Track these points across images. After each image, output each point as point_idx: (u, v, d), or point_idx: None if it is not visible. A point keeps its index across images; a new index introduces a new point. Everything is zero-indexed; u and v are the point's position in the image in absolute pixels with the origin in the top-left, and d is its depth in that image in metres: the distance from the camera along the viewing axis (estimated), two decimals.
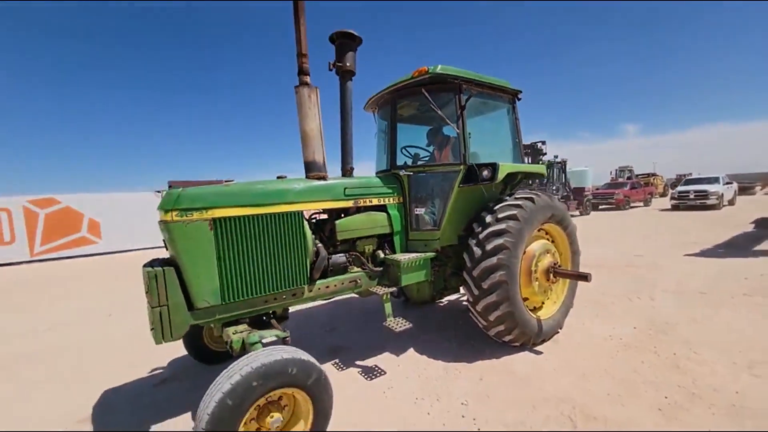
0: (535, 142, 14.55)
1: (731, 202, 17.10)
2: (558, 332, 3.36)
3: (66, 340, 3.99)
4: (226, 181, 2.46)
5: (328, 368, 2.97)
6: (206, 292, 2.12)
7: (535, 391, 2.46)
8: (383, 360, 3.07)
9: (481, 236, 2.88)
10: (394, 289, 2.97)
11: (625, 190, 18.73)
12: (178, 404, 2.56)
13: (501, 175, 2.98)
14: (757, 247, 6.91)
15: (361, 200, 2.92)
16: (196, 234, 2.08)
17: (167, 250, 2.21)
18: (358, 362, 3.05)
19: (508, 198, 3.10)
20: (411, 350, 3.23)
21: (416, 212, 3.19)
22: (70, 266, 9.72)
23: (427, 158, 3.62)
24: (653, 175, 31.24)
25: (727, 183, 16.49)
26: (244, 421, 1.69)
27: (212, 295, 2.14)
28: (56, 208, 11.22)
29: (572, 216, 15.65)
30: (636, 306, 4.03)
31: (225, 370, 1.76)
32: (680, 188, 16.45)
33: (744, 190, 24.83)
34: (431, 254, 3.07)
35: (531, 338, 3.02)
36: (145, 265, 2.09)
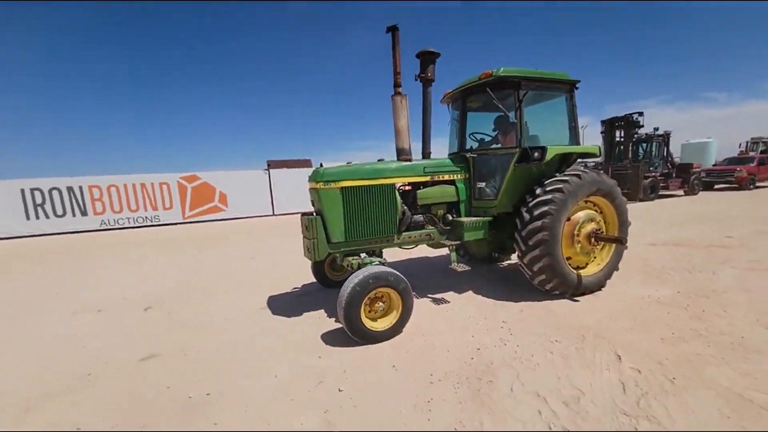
0: (630, 114, 13.28)
1: None
2: (600, 290, 3.96)
3: (235, 269, 5.95)
4: (347, 163, 3.72)
5: None
6: (337, 233, 3.42)
7: (562, 320, 3.27)
8: (448, 295, 4.12)
9: (530, 204, 3.63)
10: (458, 242, 3.92)
11: (751, 167, 15.89)
12: (314, 306, 4.01)
13: (549, 156, 3.66)
14: None
15: (436, 176, 3.93)
16: (333, 196, 3.37)
17: (313, 206, 3.59)
18: (429, 295, 4.17)
19: (558, 174, 3.75)
20: (470, 291, 4.22)
21: (479, 186, 4.06)
22: (210, 227, 12.77)
23: (490, 141, 4.40)
24: None
25: None
26: (363, 302, 2.93)
27: (340, 234, 3.43)
28: (198, 183, 14.58)
29: (673, 196, 14.16)
30: (692, 277, 4.31)
31: (352, 275, 3.00)
32: None
33: None
34: (488, 218, 3.96)
35: (570, 289, 3.71)
36: (302, 215, 3.50)
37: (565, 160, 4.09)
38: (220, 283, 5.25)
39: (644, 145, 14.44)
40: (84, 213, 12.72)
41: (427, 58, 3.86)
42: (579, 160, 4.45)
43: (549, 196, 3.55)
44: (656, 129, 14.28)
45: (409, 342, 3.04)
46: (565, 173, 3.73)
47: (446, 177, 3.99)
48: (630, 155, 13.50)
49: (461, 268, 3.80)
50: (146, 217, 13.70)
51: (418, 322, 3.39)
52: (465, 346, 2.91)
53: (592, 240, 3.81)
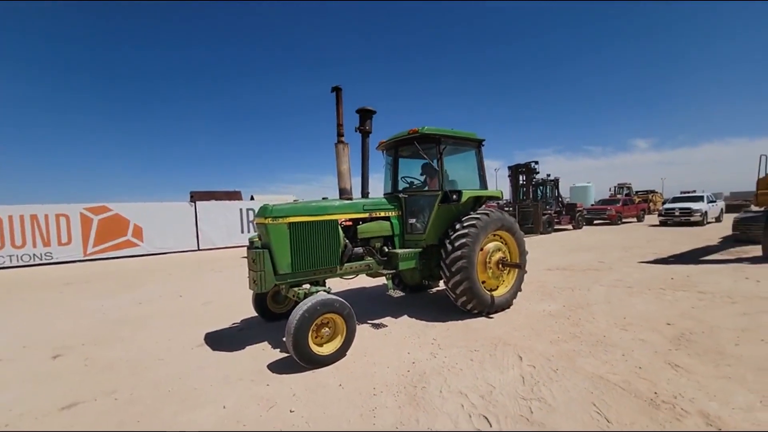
0: (529, 162, 15.96)
1: (718, 219, 18.20)
2: (509, 307, 4.77)
3: (160, 309, 5.54)
4: (294, 200, 4.05)
5: None
6: (284, 265, 3.65)
7: (480, 334, 3.91)
8: (386, 320, 4.53)
9: (452, 237, 4.33)
10: (394, 271, 4.41)
11: (618, 206, 19.95)
12: (256, 339, 4.04)
13: (464, 198, 4.45)
14: (704, 258, 8.20)
15: (374, 213, 4.47)
16: (281, 231, 3.63)
17: (260, 240, 3.80)
18: (369, 320, 4.52)
19: (472, 213, 4.58)
20: (405, 315, 4.69)
21: (410, 221, 4.69)
22: (121, 264, 11.38)
23: (419, 184, 5.14)
24: (653, 192, 32.27)
25: (711, 201, 17.63)
26: (311, 328, 3.17)
27: (287, 266, 3.67)
28: (107, 215, 13.00)
29: (564, 230, 16.97)
30: (574, 294, 5.43)
31: (301, 303, 3.23)
32: (667, 206, 17.65)
33: (740, 207, 25.75)
34: (419, 249, 4.55)
35: (485, 308, 4.43)
36: (248, 248, 3.69)
37: (477, 201, 4.98)
38: (144, 323, 4.88)
39: (541, 187, 17.30)
40: None
41: (365, 114, 4.55)
42: (489, 201, 5.43)
43: (466, 230, 4.30)
44: (549, 175, 17.35)
45: (353, 363, 3.34)
46: (478, 212, 4.57)
47: (383, 214, 4.54)
48: (531, 196, 16.05)
49: (396, 294, 4.29)
50: (34, 255, 11.64)
51: (360, 345, 3.71)
52: (402, 362, 3.32)
53: (500, 266, 4.64)
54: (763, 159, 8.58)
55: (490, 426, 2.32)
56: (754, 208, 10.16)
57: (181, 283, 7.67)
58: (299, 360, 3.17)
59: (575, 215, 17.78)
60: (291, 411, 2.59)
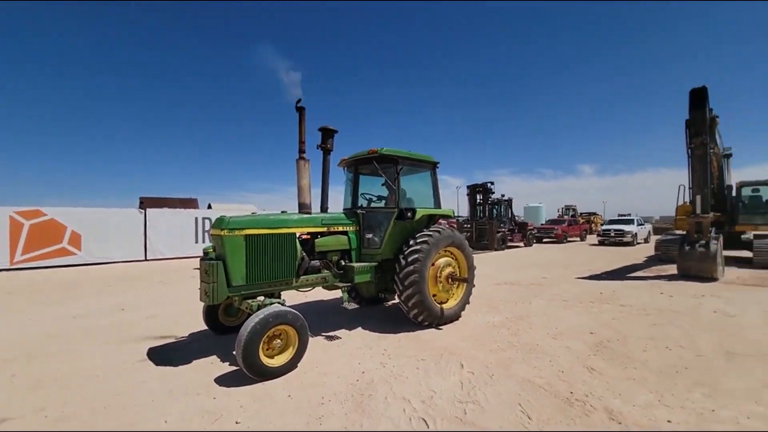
0: (486, 182, 17.00)
1: (646, 240, 20.36)
2: (457, 319, 5.07)
3: (98, 323, 5.19)
4: (252, 213, 4.09)
5: None
6: (238, 277, 3.64)
7: (428, 344, 4.15)
8: (340, 332, 4.63)
9: (406, 252, 4.57)
10: (350, 284, 4.56)
11: (563, 227, 21.67)
12: (205, 352, 3.96)
13: (418, 216, 4.69)
14: (630, 274, 9.21)
15: (332, 227, 4.58)
16: (236, 243, 3.63)
17: (214, 251, 3.79)
18: (323, 332, 4.59)
19: (425, 230, 4.85)
20: (359, 327, 4.83)
21: (367, 236, 4.88)
22: (55, 274, 10.38)
23: (377, 201, 5.35)
24: (594, 214, 35.43)
25: (640, 224, 19.78)
26: (262, 340, 3.20)
27: (241, 278, 3.66)
28: (40, 220, 11.86)
29: (516, 247, 18.07)
30: (516, 307, 5.89)
31: (253, 315, 3.26)
32: (604, 227, 19.52)
33: (666, 230, 29.04)
34: (375, 264, 4.74)
35: (435, 320, 4.69)
36: (202, 260, 3.67)
37: (431, 219, 5.30)
38: (80, 337, 4.57)
39: (496, 206, 18.40)
40: None
41: (327, 133, 4.76)
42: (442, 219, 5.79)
43: (419, 246, 4.55)
44: (503, 195, 18.54)
45: (305, 374, 3.41)
46: (430, 229, 4.83)
47: (341, 228, 4.67)
48: (487, 214, 17.02)
49: (351, 306, 4.45)
50: None
51: (312, 356, 3.79)
52: (352, 372, 3.45)
53: (450, 280, 4.96)
54: (681, 188, 9.91)
55: (428, 427, 2.52)
56: (676, 231, 11.57)
57: (124, 296, 7.20)
58: (249, 372, 3.17)
59: (526, 233, 19.04)
60: (237, 423, 2.61)
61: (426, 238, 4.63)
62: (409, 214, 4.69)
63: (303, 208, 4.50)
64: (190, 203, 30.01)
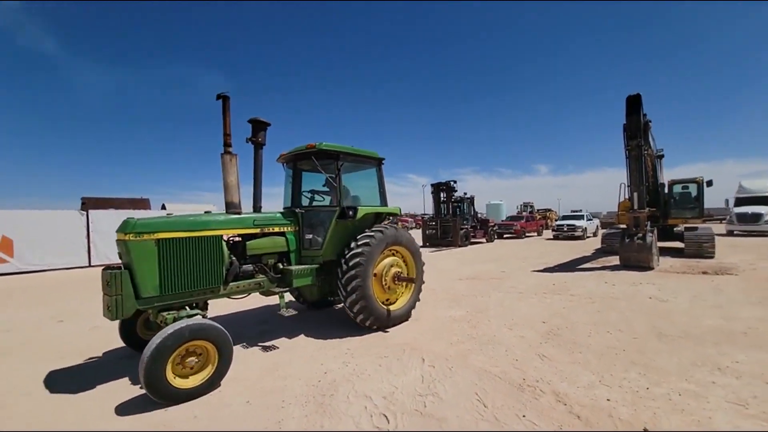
0: (449, 181, 17.45)
1: (595, 234, 21.95)
2: (407, 320, 4.93)
3: (24, 337, 4.71)
4: (167, 214, 3.74)
5: (248, 345, 4.38)
6: (150, 288, 3.21)
7: (391, 341, 4.21)
8: (299, 335, 4.56)
9: (347, 256, 4.31)
10: (288, 288, 4.31)
11: (522, 222, 22.80)
12: (119, 373, 3.57)
13: (360, 215, 4.49)
14: (579, 266, 9.90)
15: (266, 228, 4.22)
16: (145, 249, 3.20)
17: (121, 259, 3.34)
18: (282, 337, 4.50)
19: (368, 230, 4.57)
20: (320, 329, 4.78)
21: (307, 237, 4.57)
22: None
23: (321, 199, 5.09)
24: (549, 210, 37.60)
25: (590, 219, 21.32)
26: (171, 358, 2.82)
27: (154, 289, 3.23)
28: None
29: (479, 243, 18.75)
30: (477, 300, 6.14)
31: (162, 330, 2.84)
32: (558, 222, 20.81)
33: (612, 224, 31.54)
34: (316, 266, 4.45)
35: (382, 323, 4.53)
36: (104, 269, 3.18)
37: (378, 217, 5.08)
38: (8, 352, 4.12)
39: (459, 204, 18.97)
40: None
41: (258, 125, 4.33)
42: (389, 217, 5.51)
43: (360, 249, 4.30)
44: (465, 193, 19.16)
45: (264, 379, 3.33)
46: (372, 229, 4.60)
47: (276, 229, 4.32)
48: (451, 212, 17.50)
49: (288, 313, 4.08)
50: None
51: (274, 360, 3.71)
52: (314, 373, 3.42)
53: (396, 280, 4.76)
54: (621, 186, 10.78)
55: (388, 422, 2.57)
56: (619, 225, 12.55)
57: (62, 306, 6.58)
58: (153, 395, 2.80)
59: (488, 230, 19.81)
60: None
61: (368, 239, 4.41)
62: (350, 212, 4.49)
63: (231, 207, 4.09)
64: (141, 203, 27.96)
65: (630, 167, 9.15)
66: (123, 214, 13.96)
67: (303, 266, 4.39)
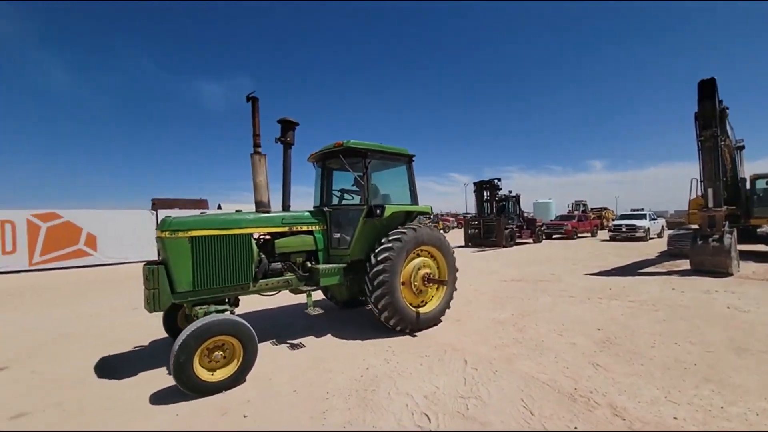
0: (493, 179, 16.87)
1: (659, 235, 19.92)
2: (436, 324, 4.70)
3: (114, 321, 5.36)
4: (201, 212, 3.92)
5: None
6: (184, 283, 3.38)
7: (432, 341, 4.18)
8: (344, 331, 4.69)
9: (376, 251, 4.25)
10: (316, 287, 4.33)
11: (573, 222, 21.32)
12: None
13: (387, 214, 4.38)
14: (641, 270, 9.05)
15: (294, 227, 4.28)
16: (180, 245, 3.38)
17: (159, 256, 3.60)
18: (328, 332, 4.65)
19: (399, 228, 4.49)
20: (363, 326, 4.87)
21: (335, 236, 4.55)
22: (72, 274, 10.69)
23: (350, 198, 5.06)
24: (605, 209, 34.78)
25: (653, 219, 19.36)
26: (202, 346, 2.97)
27: (187, 284, 3.40)
28: (57, 222, 12.24)
29: (525, 243, 17.90)
30: (523, 303, 5.86)
31: (190, 325, 2.98)
32: (615, 222, 19.16)
33: (680, 224, 28.38)
34: (343, 265, 4.42)
35: (410, 324, 4.35)
36: (144, 264, 3.40)
37: (408, 216, 4.96)
38: (95, 335, 4.72)
39: (503, 203, 18.25)
40: None
41: (287, 125, 4.46)
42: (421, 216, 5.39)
43: (390, 245, 4.23)
44: (510, 191, 18.38)
45: (310, 371, 3.47)
46: (403, 228, 4.46)
47: (304, 228, 4.36)
48: (494, 211, 16.89)
49: (315, 312, 4.13)
50: None
51: (318, 354, 3.86)
52: (356, 368, 3.50)
53: (426, 282, 4.57)
54: (693, 182, 9.66)
55: (429, 422, 2.55)
56: (690, 226, 11.31)
57: (137, 296, 7.38)
58: (181, 387, 2.91)
59: (535, 230, 18.83)
60: (244, 416, 2.69)
61: (397, 237, 4.31)
62: (377, 211, 4.40)
63: (260, 206, 4.22)
64: (200, 204, 30.63)
65: (703, 160, 8.18)
66: (185, 214, 15.33)
67: (330, 265, 4.36)
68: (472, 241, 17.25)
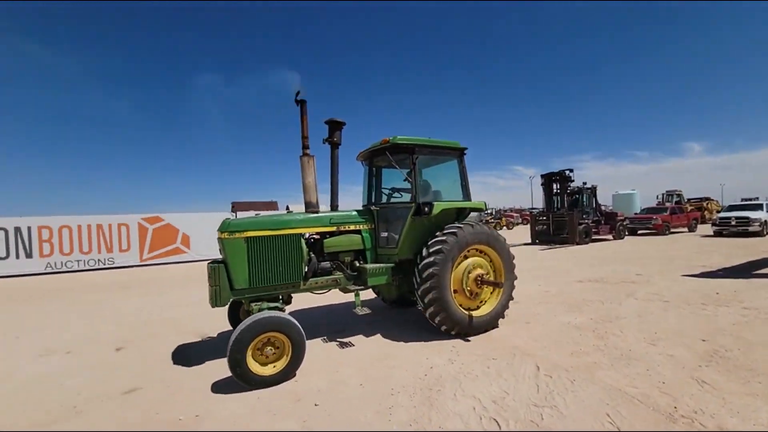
0: (564, 170, 15.50)
1: None
2: (492, 329, 4.41)
3: (209, 315, 6.12)
4: (255, 214, 4.14)
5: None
6: (241, 280, 3.61)
7: (499, 343, 3.98)
8: (406, 328, 4.70)
9: (429, 244, 4.14)
10: (363, 287, 4.29)
11: (665, 216, 18.61)
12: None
13: (436, 211, 4.24)
14: (758, 271, 7.55)
15: (342, 226, 4.33)
16: (237, 245, 3.60)
17: (221, 254, 3.80)
18: (390, 329, 4.71)
19: (450, 225, 4.30)
20: (426, 324, 4.83)
21: (382, 235, 4.51)
22: (171, 269, 12.44)
23: (399, 196, 4.99)
24: (707, 199, 29.71)
25: None
26: (253, 342, 3.12)
27: (244, 281, 3.62)
28: (160, 225, 14.32)
29: (604, 240, 16.14)
30: (604, 307, 5.28)
31: (243, 321, 3.19)
32: (721, 214, 16.27)
33: None
34: (391, 264, 4.36)
35: (461, 328, 4.13)
36: (208, 263, 3.67)
37: (461, 213, 4.77)
38: (192, 323, 5.41)
39: (577, 196, 16.65)
40: (29, 255, 11.93)
41: (334, 126, 4.49)
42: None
43: (445, 238, 4.10)
44: (585, 183, 16.66)
45: (374, 366, 3.55)
46: (454, 225, 4.28)
47: (352, 227, 4.39)
48: (566, 205, 15.51)
49: (363, 311, 4.13)
50: (99, 260, 13.06)
51: (381, 350, 3.93)
52: (420, 366, 3.48)
53: (479, 283, 4.30)
54: None
55: (499, 427, 2.43)
56: None
57: None
58: (237, 379, 3.11)
59: (616, 225, 16.85)
60: (315, 405, 2.85)
61: (447, 236, 4.13)
62: (426, 208, 4.27)
63: (309, 207, 4.32)
64: (271, 205, 33.37)
65: None
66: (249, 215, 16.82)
67: (378, 265, 4.32)
68: (539, 238, 16.09)
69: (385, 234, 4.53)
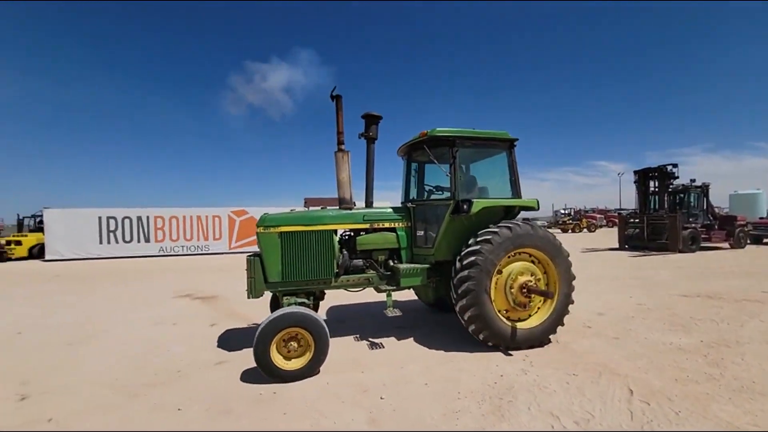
0: (664, 165, 13.35)
1: None
2: (541, 345, 3.89)
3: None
4: (291, 210, 4.08)
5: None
6: (274, 274, 3.70)
7: (580, 358, 3.57)
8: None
9: (462, 254, 3.75)
10: (395, 288, 4.06)
11: None
12: (351, 331, 4.52)
13: (475, 209, 3.83)
14: None
15: (376, 224, 4.18)
16: (271, 240, 3.70)
17: (257, 247, 3.90)
18: (455, 330, 4.57)
19: (492, 225, 3.84)
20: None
21: (419, 233, 4.27)
22: None
23: (440, 192, 4.58)
24: None
25: None
26: (278, 335, 3.14)
27: (277, 275, 3.71)
28: (246, 217, 16.03)
29: (716, 248, 13.61)
30: (718, 328, 4.41)
31: (269, 315, 3.28)
32: None
33: None
34: (426, 265, 4.07)
35: (502, 341, 3.73)
36: (248, 256, 3.76)
37: (508, 211, 4.29)
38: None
39: (681, 195, 14.24)
40: (147, 240, 14.35)
41: (371, 120, 4.33)
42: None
43: (478, 247, 3.67)
44: (692, 180, 14.14)
45: (439, 367, 3.47)
46: (498, 225, 3.82)
47: (387, 225, 4.20)
48: (666, 206, 13.37)
49: (392, 313, 3.90)
50: (198, 246, 15.15)
51: (447, 352, 3.83)
52: (489, 373, 3.30)
53: (525, 292, 3.80)
54: None
55: None
56: None
57: None
58: (262, 371, 3.14)
59: (734, 231, 14.01)
60: (381, 398, 2.88)
61: (489, 237, 3.69)
62: (464, 206, 3.87)
63: (343, 203, 4.23)
64: (335, 201, 35.20)
65: None
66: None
67: (412, 265, 4.07)
68: (630, 243, 14.17)
69: (422, 233, 4.27)
